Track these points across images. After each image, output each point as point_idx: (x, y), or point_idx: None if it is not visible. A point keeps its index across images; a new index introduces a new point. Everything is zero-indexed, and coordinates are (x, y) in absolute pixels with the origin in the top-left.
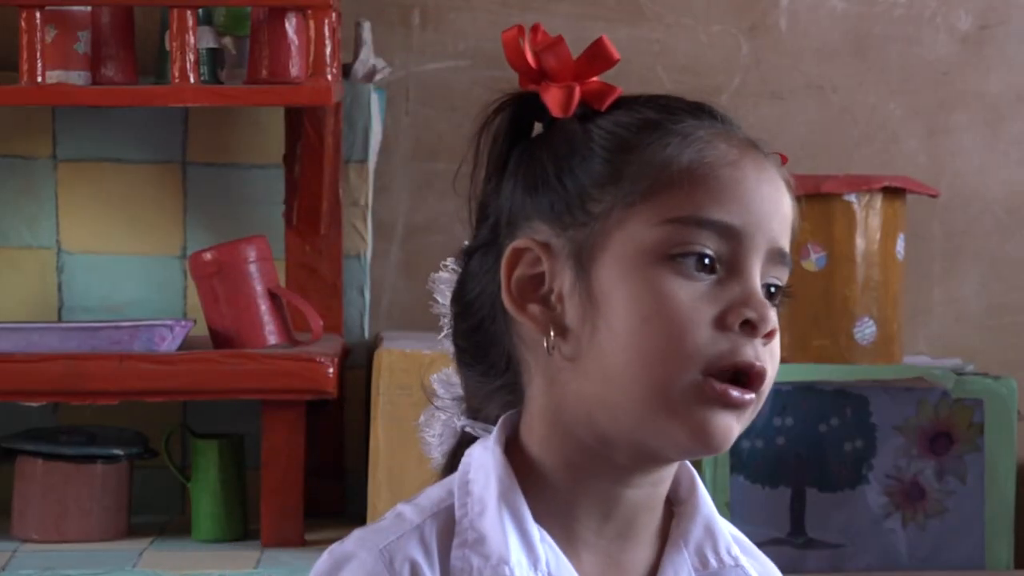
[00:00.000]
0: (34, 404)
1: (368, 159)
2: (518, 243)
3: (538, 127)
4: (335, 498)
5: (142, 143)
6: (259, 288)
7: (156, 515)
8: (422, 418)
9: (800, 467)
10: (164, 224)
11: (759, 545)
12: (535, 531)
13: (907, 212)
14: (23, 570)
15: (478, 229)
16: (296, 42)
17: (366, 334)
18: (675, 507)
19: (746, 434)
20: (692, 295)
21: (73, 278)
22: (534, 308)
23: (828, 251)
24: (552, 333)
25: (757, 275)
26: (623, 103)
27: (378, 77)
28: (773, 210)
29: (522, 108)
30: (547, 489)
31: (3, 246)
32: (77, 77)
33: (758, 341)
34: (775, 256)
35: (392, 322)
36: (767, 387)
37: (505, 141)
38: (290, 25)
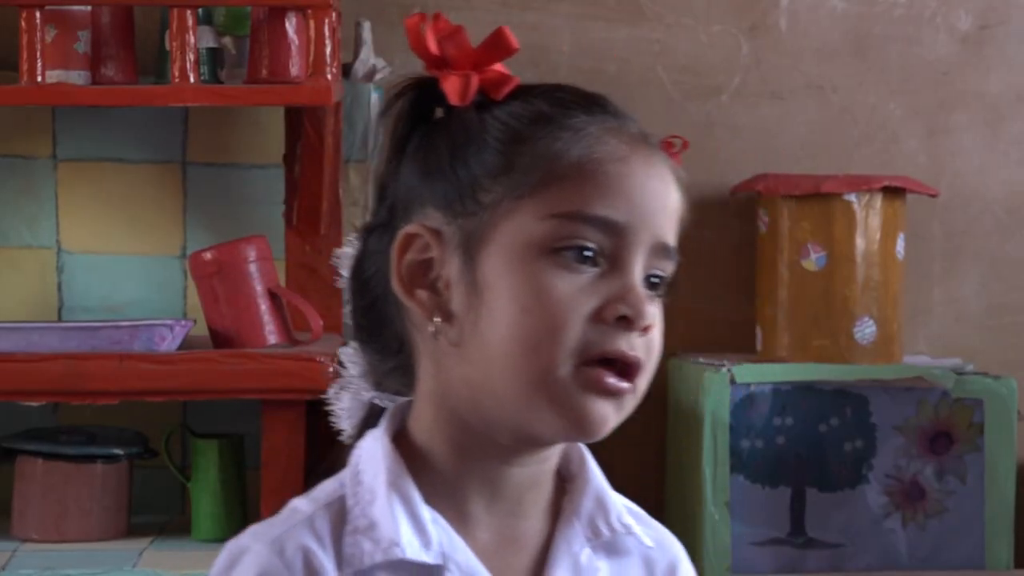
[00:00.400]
0: (34, 404)
1: (368, 159)
2: (409, 228)
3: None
4: None
5: (142, 143)
6: (259, 288)
7: (156, 515)
8: (331, 391)
9: (800, 467)
10: (164, 224)
11: (759, 545)
12: (426, 514)
13: (907, 212)
14: (23, 570)
15: (377, 208)
16: (296, 42)
17: None
18: (567, 483)
19: (746, 434)
20: (572, 288)
21: (73, 278)
22: (422, 293)
23: (828, 251)
24: (437, 318)
25: (638, 270)
26: (521, 94)
27: (378, 77)
28: (659, 206)
29: (423, 93)
30: (436, 472)
31: (3, 246)
32: (77, 77)
33: (634, 334)
34: (659, 250)
35: None
36: (645, 378)
37: (405, 124)
38: (290, 25)
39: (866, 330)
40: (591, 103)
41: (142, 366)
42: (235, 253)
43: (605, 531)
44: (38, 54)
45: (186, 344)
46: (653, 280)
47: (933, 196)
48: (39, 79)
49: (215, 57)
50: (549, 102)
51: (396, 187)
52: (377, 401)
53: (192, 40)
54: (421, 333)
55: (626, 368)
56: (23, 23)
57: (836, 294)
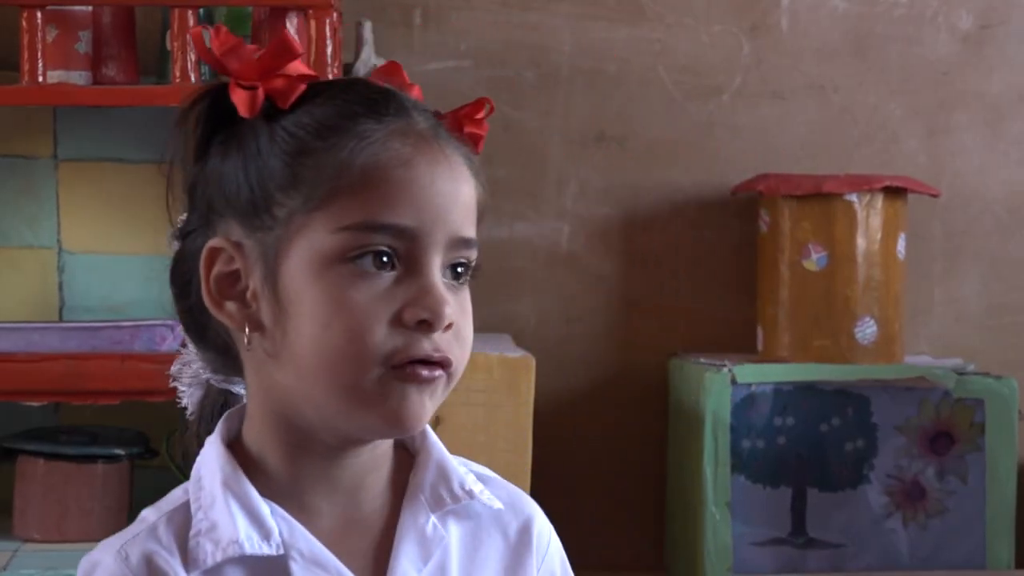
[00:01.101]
0: (35, 404)
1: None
2: (213, 242)
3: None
4: None
5: (143, 143)
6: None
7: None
8: (174, 368)
9: (801, 467)
10: (165, 224)
11: (760, 545)
12: (264, 508)
13: (908, 212)
14: (24, 570)
15: (189, 212)
16: (297, 42)
17: None
18: (413, 459)
19: (747, 434)
20: (370, 296)
21: (74, 278)
22: (231, 306)
23: (829, 251)
24: (248, 330)
25: (435, 270)
26: (311, 97)
27: None
28: (449, 204)
29: (220, 100)
30: (273, 472)
31: (4, 246)
32: (78, 77)
33: (437, 333)
34: (457, 244)
35: None
36: (457, 369)
37: (205, 130)
38: (291, 25)
39: (867, 330)
40: (377, 104)
41: (143, 366)
42: None
43: (448, 499)
44: (39, 54)
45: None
46: (457, 270)
47: (934, 196)
48: (40, 79)
49: None
50: (336, 108)
51: (204, 190)
52: (214, 383)
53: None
54: (239, 342)
55: (434, 365)
56: (24, 23)
57: (837, 294)
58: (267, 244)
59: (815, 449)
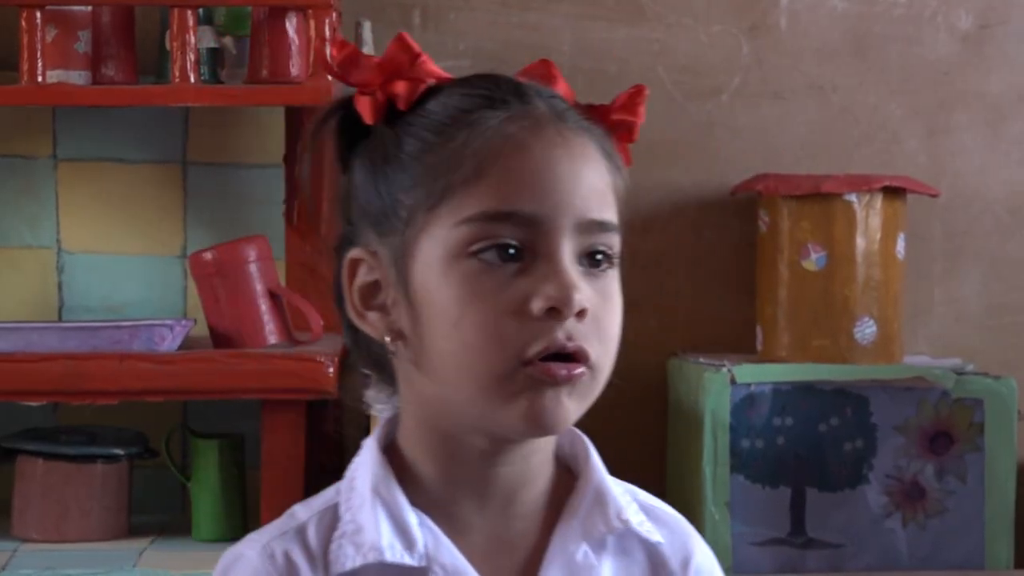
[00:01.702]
0: (34, 404)
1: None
2: (353, 253)
3: None
4: None
5: (142, 143)
6: (259, 288)
7: (156, 515)
8: (370, 393)
9: (800, 467)
10: (164, 224)
11: (759, 545)
12: (411, 517)
13: (907, 212)
14: (23, 570)
15: (342, 227)
16: (296, 42)
17: None
18: (576, 477)
19: (746, 434)
20: (496, 288)
21: (73, 278)
22: (373, 316)
23: (828, 251)
24: (389, 339)
25: (563, 256)
26: (432, 96)
27: None
28: (572, 189)
29: (351, 110)
30: (425, 480)
31: (3, 246)
32: (77, 77)
33: (570, 322)
34: (588, 227)
35: None
36: (599, 362)
37: (339, 144)
38: (290, 25)
39: (866, 330)
40: (494, 93)
41: (142, 366)
42: (235, 253)
43: (603, 527)
44: (38, 54)
45: (186, 344)
46: (597, 256)
47: (933, 196)
48: (39, 79)
49: (215, 57)
50: (454, 102)
51: (347, 203)
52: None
53: (192, 40)
54: (388, 353)
55: (570, 357)
56: (23, 23)
57: (836, 294)
58: (396, 248)
59: (814, 449)
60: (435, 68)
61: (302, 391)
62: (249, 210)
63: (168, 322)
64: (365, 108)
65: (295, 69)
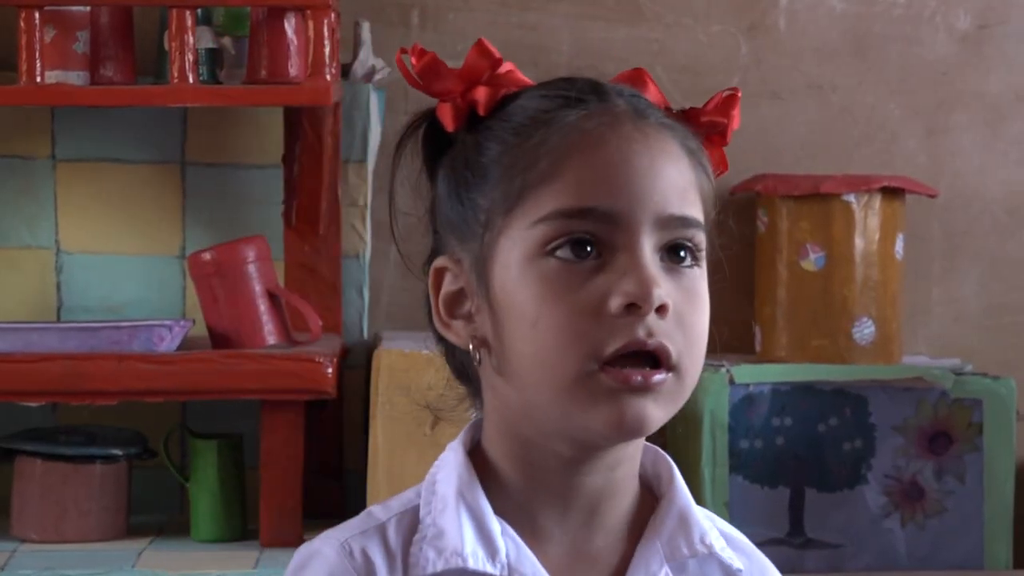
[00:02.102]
0: (33, 404)
1: (367, 159)
2: (437, 263)
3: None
4: (334, 498)
5: (141, 143)
6: (258, 288)
7: (155, 515)
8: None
9: (799, 467)
10: (163, 224)
11: (758, 545)
12: (495, 525)
13: (906, 212)
14: (22, 570)
15: (431, 236)
16: (295, 42)
17: (365, 334)
18: (658, 498)
19: (745, 434)
20: (574, 286)
21: (72, 278)
22: (458, 324)
23: (827, 251)
24: (473, 347)
25: (641, 250)
26: (512, 100)
27: (377, 77)
28: (649, 184)
29: (435, 120)
30: (508, 487)
31: (2, 246)
32: (76, 77)
33: (650, 318)
34: (669, 223)
35: (391, 322)
36: (683, 361)
37: (425, 155)
38: (289, 25)
39: (865, 330)
40: (573, 92)
41: (141, 366)
42: (234, 253)
43: (685, 550)
44: (37, 54)
45: (185, 344)
46: (680, 252)
47: (932, 196)
48: (38, 79)
49: (214, 57)
50: (533, 103)
51: (434, 213)
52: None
53: (191, 40)
54: (473, 362)
55: (652, 358)
56: (22, 23)
57: (835, 294)
58: (476, 253)
59: (813, 449)
60: (519, 75)
61: (301, 391)
62: (248, 210)
63: (167, 322)
64: (446, 116)
65: (294, 69)
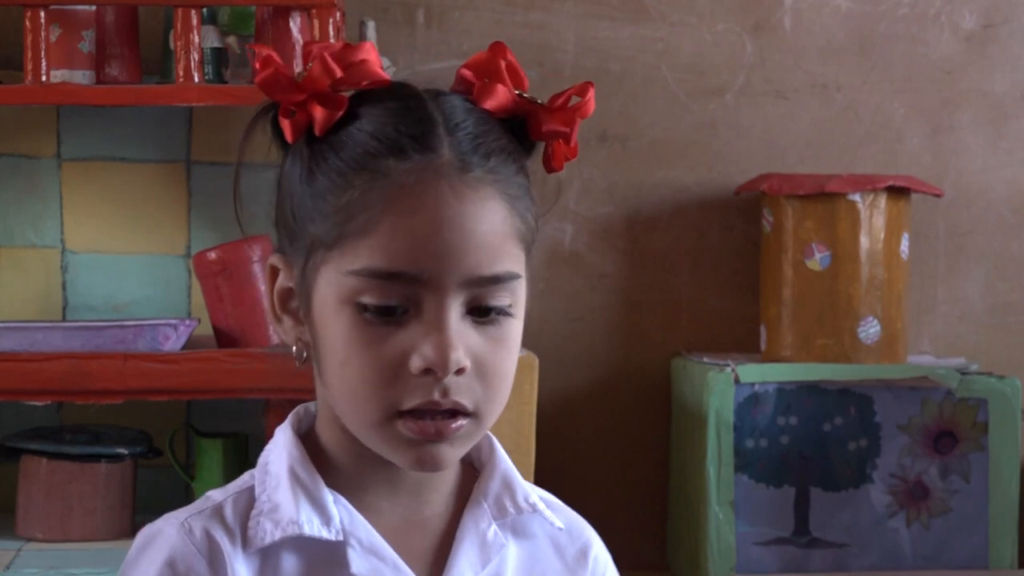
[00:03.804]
0: (38, 403)
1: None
2: (273, 259)
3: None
4: None
5: (146, 142)
6: (263, 287)
7: (160, 514)
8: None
9: (804, 466)
10: (168, 223)
11: (763, 544)
12: (327, 496)
13: (911, 211)
14: (27, 569)
15: (273, 225)
16: (300, 41)
17: None
18: (478, 470)
19: (750, 433)
20: (378, 340)
21: (77, 277)
22: (287, 321)
23: (832, 250)
24: (297, 348)
25: (446, 315)
26: (349, 120)
27: None
28: (460, 247)
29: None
30: (338, 466)
31: (8, 245)
32: (81, 76)
33: (448, 379)
34: (479, 283)
35: None
36: (483, 409)
37: (275, 144)
38: (294, 24)
39: (870, 329)
40: (403, 138)
41: (146, 365)
42: (239, 252)
43: (511, 508)
44: (43, 53)
45: (190, 343)
46: (487, 310)
47: (937, 195)
48: (43, 78)
49: (219, 56)
50: (363, 141)
51: (278, 198)
52: None
53: (196, 39)
54: (298, 359)
55: (449, 415)
56: (27, 22)
57: (840, 293)
58: (301, 270)
59: (818, 448)
60: (372, 69)
61: (305, 390)
62: (253, 209)
63: (172, 321)
64: (286, 129)
65: (299, 68)
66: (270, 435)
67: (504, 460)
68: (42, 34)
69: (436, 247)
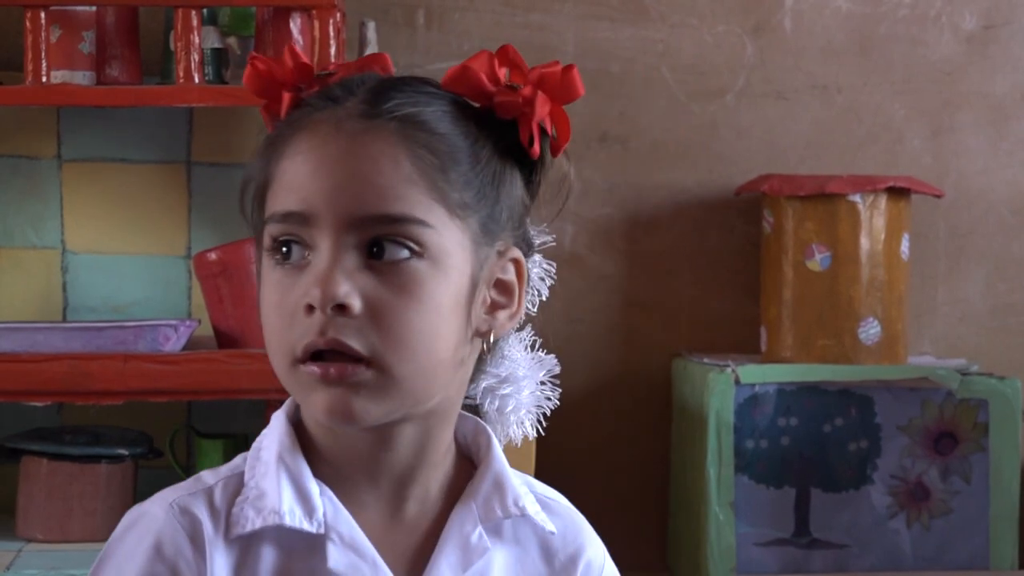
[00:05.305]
0: (39, 404)
1: None
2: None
3: None
4: None
5: (147, 143)
6: None
7: None
8: None
9: (805, 467)
10: (169, 224)
11: (763, 545)
12: (313, 487)
13: (912, 212)
14: (27, 570)
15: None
16: (301, 42)
17: None
18: (476, 469)
19: (750, 434)
20: (283, 288)
21: (78, 278)
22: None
23: (833, 251)
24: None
25: (325, 252)
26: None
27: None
28: (345, 184)
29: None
30: (325, 454)
31: (8, 246)
32: (82, 77)
33: (327, 317)
34: (368, 222)
35: None
36: (385, 360)
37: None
38: (294, 25)
39: (870, 330)
40: (334, 92)
41: (146, 366)
42: (240, 253)
43: (499, 511)
44: (43, 54)
45: (191, 344)
46: (383, 248)
47: (938, 196)
48: (44, 79)
49: (220, 57)
50: (305, 104)
51: None
52: None
53: (197, 40)
54: None
55: (341, 361)
56: (28, 23)
57: (841, 294)
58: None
59: (818, 449)
60: (347, 62)
61: None
62: None
63: (172, 322)
64: (267, 123)
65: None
66: None
67: (498, 460)
68: (42, 35)
69: (321, 184)
